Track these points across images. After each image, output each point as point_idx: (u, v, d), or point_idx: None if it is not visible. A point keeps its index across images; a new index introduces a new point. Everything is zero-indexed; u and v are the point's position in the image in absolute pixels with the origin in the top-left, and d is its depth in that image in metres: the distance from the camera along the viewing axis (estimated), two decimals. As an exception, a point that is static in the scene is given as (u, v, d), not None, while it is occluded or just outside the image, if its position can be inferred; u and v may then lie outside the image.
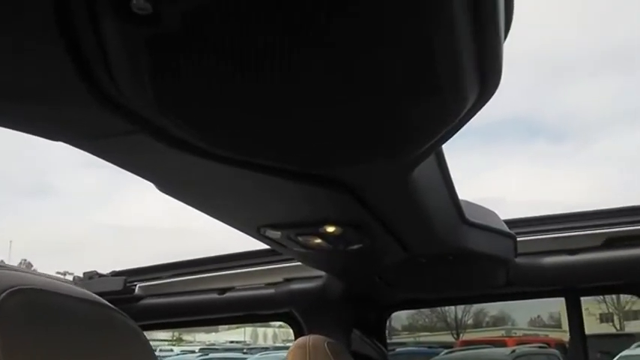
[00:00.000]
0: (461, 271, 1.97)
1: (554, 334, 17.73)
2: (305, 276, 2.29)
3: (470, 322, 27.01)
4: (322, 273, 2.20)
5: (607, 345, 9.74)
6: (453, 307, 27.05)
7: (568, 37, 35.33)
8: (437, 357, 12.10)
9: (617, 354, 8.57)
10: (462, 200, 1.70)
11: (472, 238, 1.71)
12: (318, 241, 1.39)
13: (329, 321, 2.29)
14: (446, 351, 12.99)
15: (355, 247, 1.47)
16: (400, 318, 28.59)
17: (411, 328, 26.93)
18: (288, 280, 2.35)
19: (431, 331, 25.07)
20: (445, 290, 2.30)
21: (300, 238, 1.38)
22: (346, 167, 0.97)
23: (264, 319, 2.80)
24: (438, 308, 27.73)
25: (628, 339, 9.38)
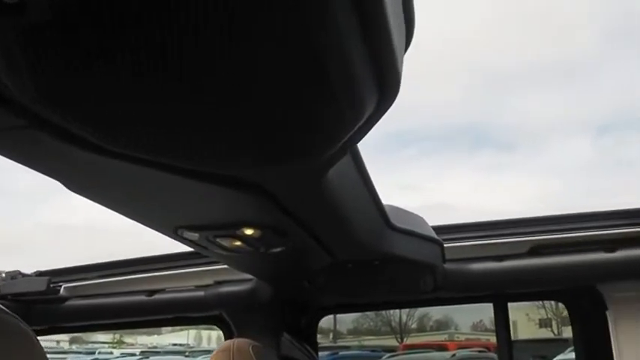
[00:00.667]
0: (388, 276, 1.98)
1: (494, 339, 18.11)
2: (235, 279, 2.26)
3: (414, 326, 27.38)
4: (252, 276, 2.18)
5: (543, 349, 10.01)
6: (397, 311, 27.40)
7: (516, 50, 36.23)
8: (378, 360, 12.23)
9: (553, 358, 8.82)
10: (388, 205, 1.71)
11: (398, 244, 1.71)
12: (238, 243, 1.37)
13: (259, 324, 2.27)
14: (388, 355, 13.15)
15: (277, 249, 1.45)
16: (345, 322, 28.77)
17: (356, 332, 27.14)
18: (218, 283, 2.32)
19: (376, 335, 25.31)
20: (374, 295, 2.30)
21: (219, 240, 1.36)
22: (254, 169, 0.96)
23: (194, 322, 2.76)
24: (383, 312, 28.07)
25: (563, 343, 9.65)
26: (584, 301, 2.37)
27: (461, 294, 2.36)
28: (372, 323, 29.26)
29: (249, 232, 1.29)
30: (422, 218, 1.91)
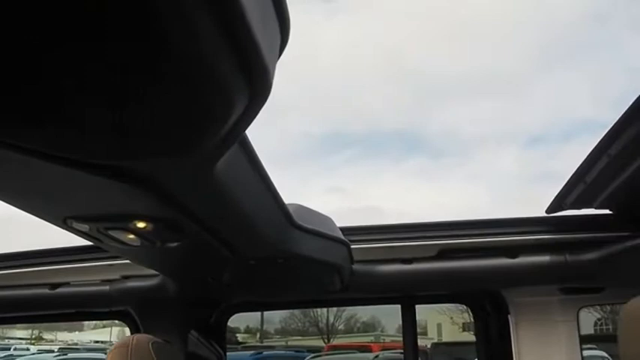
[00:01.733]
0: (295, 275, 1.98)
1: (419, 341, 18.51)
2: (142, 274, 2.21)
3: (341, 327, 27.62)
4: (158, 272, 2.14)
5: (462, 352, 10.26)
6: (325, 312, 27.59)
7: (448, 60, 37.03)
8: (302, 361, 12.27)
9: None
10: (293, 204, 1.71)
11: (302, 243, 1.71)
12: (132, 236, 1.34)
13: (165, 321, 2.23)
14: (312, 355, 13.20)
15: (175, 244, 1.43)
16: (273, 322, 28.75)
17: (283, 332, 27.16)
18: (125, 278, 2.26)
19: (303, 336, 25.38)
20: (282, 293, 2.30)
21: (111, 233, 1.32)
22: (135, 160, 0.94)
23: (100, 317, 2.69)
24: (311, 313, 28.18)
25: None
26: (488, 304, 2.44)
27: (369, 295, 2.39)
28: (299, 324, 29.33)
29: (141, 225, 1.26)
30: (330, 219, 1.92)
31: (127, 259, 2.19)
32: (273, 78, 0.76)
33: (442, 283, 2.26)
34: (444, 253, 2.23)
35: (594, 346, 8.16)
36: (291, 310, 28.97)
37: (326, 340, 22.63)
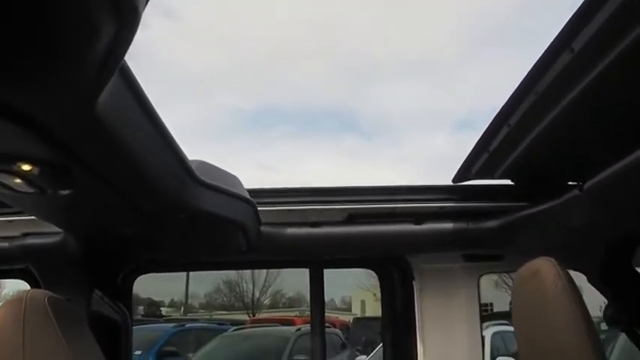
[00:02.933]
0: (198, 233, 1.96)
1: (343, 317, 18.85)
2: (44, 231, 2.14)
3: (267, 302, 27.81)
4: (61, 229, 2.08)
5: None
6: (251, 287, 27.62)
7: (382, 41, 37.25)
8: (225, 333, 12.25)
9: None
10: (197, 160, 1.69)
11: (204, 199, 1.70)
12: (18, 180, 1.29)
13: (68, 279, 2.17)
14: (235, 328, 13.21)
15: (66, 192, 1.39)
16: (198, 296, 28.61)
17: (208, 307, 27.10)
18: (25, 235, 2.19)
19: (228, 310, 25.40)
20: (186, 253, 2.28)
21: None
22: (20, 97, 0.91)
23: (0, 275, 2.60)
24: (237, 288, 28.14)
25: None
26: (394, 270, 2.50)
27: (276, 257, 2.40)
28: (225, 299, 29.34)
29: (26, 167, 1.22)
30: (236, 177, 1.90)
31: (27, 216, 2.12)
32: (142, 6, 0.74)
33: (350, 248, 2.30)
34: (353, 218, 2.26)
35: (507, 322, 8.49)
36: (216, 285, 28.93)
37: (251, 315, 22.73)
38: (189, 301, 26.70)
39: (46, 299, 1.71)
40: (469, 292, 2.48)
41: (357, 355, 11.07)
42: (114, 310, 2.33)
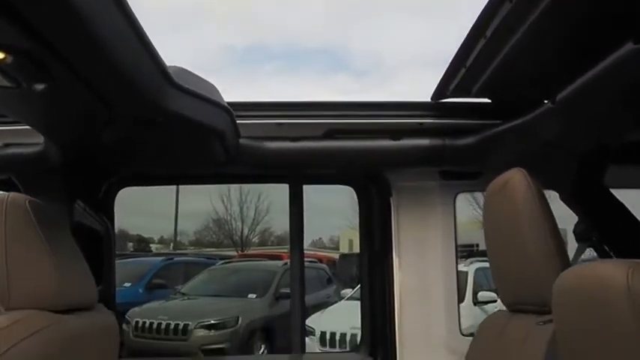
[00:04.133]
0: (177, 142, 1.98)
1: (331, 254, 19.13)
2: (25, 142, 2.16)
3: (255, 240, 28.09)
4: (42, 141, 2.10)
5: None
6: (240, 225, 27.82)
7: (378, -22, 36.49)
8: (213, 266, 12.46)
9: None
10: (176, 66, 1.69)
11: (182, 103, 1.71)
12: (-9, 71, 1.30)
13: (50, 190, 2.19)
14: (223, 261, 13.41)
15: (42, 87, 1.40)
16: (187, 233, 28.82)
17: (197, 244, 27.36)
18: (7, 145, 2.21)
19: (217, 247, 25.64)
20: (166, 164, 2.30)
21: None
22: None
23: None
24: (226, 226, 28.31)
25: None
26: (372, 186, 2.55)
27: (255, 170, 2.43)
28: (214, 236, 29.62)
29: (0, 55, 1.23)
30: (214, 87, 1.91)
31: (8, 126, 2.14)
32: None
33: (328, 162, 2.33)
34: (331, 133, 2.29)
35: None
36: (206, 223, 29.13)
37: (240, 252, 22.97)
38: (179, 239, 26.94)
39: (26, 202, 1.75)
40: (446, 210, 2.53)
41: (343, 289, 11.30)
42: (96, 221, 2.38)
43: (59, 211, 2.12)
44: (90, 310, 1.92)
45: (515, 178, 1.65)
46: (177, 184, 2.45)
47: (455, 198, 2.54)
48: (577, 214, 2.32)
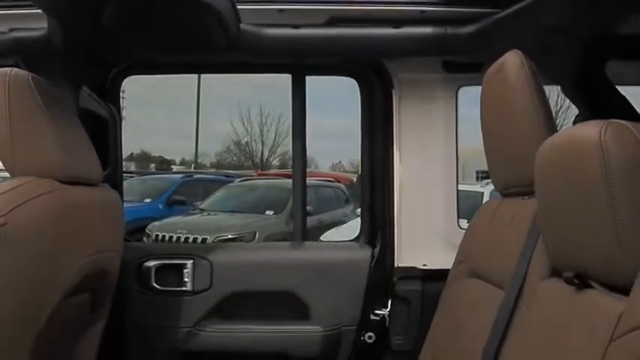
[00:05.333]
0: (175, 22, 1.99)
1: (350, 176, 19.25)
2: (31, 27, 2.19)
3: (276, 162, 28.41)
4: (46, 24, 2.12)
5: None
6: (260, 147, 28.00)
7: None
8: (230, 184, 12.65)
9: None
10: None
11: None
12: None
13: (56, 75, 2.23)
14: (241, 178, 13.60)
15: None
16: (208, 155, 29.13)
17: (218, 166, 27.76)
18: (12, 30, 2.24)
19: (237, 170, 26.03)
20: (169, 49, 2.31)
21: None
22: None
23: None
24: (247, 149, 28.55)
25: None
26: (374, 77, 2.55)
27: (257, 58, 2.44)
28: (234, 158, 29.98)
29: None
30: None
31: (13, 9, 2.17)
32: None
33: (330, 50, 2.33)
34: (333, 21, 2.28)
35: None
36: (227, 145, 29.36)
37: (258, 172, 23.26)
38: (200, 160, 27.30)
39: (29, 77, 1.79)
40: (448, 103, 2.53)
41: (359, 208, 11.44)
42: (102, 107, 2.43)
43: (65, 95, 2.17)
44: (95, 186, 2.00)
45: (511, 60, 1.65)
46: (182, 73, 2.47)
47: (457, 91, 2.54)
48: (578, 107, 2.32)
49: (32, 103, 1.76)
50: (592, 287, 1.10)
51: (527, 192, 1.53)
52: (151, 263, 2.46)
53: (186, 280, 2.45)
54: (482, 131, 1.84)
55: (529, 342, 1.29)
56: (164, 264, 2.47)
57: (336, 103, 35.90)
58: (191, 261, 2.46)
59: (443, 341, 1.90)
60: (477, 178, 14.99)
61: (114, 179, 2.44)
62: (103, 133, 2.43)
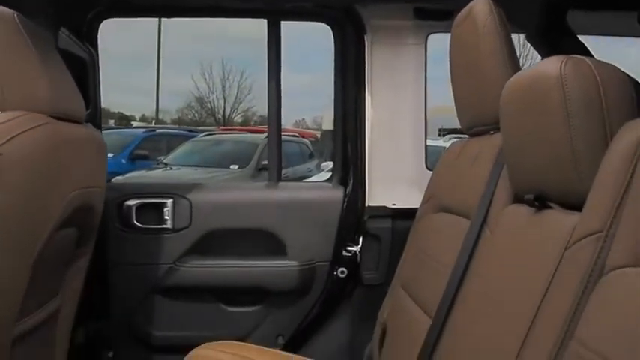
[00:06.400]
0: None
1: (313, 132, 19.29)
2: None
3: (238, 119, 28.20)
4: None
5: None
6: (222, 104, 27.70)
7: None
8: (194, 138, 12.59)
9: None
10: None
11: None
12: None
13: (35, 14, 2.23)
14: (205, 133, 13.52)
15: None
16: (169, 111, 28.71)
17: (179, 122, 27.43)
18: None
19: (199, 126, 25.80)
20: None
21: None
22: None
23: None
24: (208, 104, 28.17)
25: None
26: (348, 25, 2.63)
27: (232, 4, 2.49)
28: (196, 115, 29.64)
29: None
30: None
31: None
32: None
33: None
34: None
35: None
36: (188, 101, 28.96)
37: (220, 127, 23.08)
38: (160, 117, 26.93)
39: (15, 15, 1.81)
40: (417, 49, 2.63)
41: (324, 162, 11.53)
42: (81, 48, 2.45)
43: (46, 35, 2.19)
44: (80, 124, 2.04)
45: (479, 6, 1.70)
46: (158, 16, 2.48)
47: (427, 38, 2.64)
48: (541, 55, 2.43)
49: (19, 38, 1.78)
50: (550, 208, 1.20)
51: (493, 129, 1.62)
52: (132, 202, 2.53)
53: (166, 218, 2.53)
54: (450, 74, 1.90)
55: (493, 263, 1.39)
56: (145, 203, 2.54)
57: (299, 58, 35.68)
58: (171, 200, 2.54)
59: (411, 271, 2.00)
60: (440, 134, 15.25)
61: (94, 120, 2.48)
62: (83, 74, 2.46)
